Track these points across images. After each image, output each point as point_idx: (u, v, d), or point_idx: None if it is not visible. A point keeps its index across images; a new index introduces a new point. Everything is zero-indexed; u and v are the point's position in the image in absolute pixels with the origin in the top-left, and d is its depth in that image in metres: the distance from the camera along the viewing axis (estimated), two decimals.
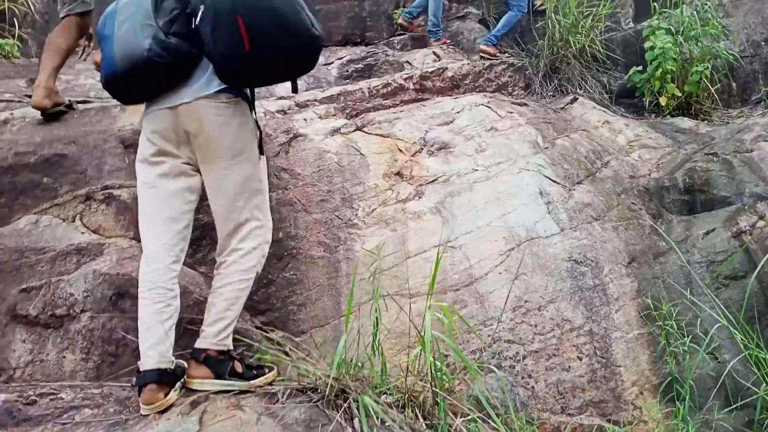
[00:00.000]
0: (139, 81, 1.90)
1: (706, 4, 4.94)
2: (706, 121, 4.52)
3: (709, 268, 2.98)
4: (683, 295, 2.81)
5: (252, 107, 2.11)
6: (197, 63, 1.95)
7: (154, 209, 2.03)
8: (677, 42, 4.60)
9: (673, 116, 4.65)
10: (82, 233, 2.58)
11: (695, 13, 4.80)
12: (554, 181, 3.23)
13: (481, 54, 5.07)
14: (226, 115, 1.96)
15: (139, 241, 2.60)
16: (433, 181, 3.18)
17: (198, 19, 1.83)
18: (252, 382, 1.94)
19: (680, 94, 4.56)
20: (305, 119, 3.39)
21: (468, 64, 4.75)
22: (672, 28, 4.73)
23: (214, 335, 1.93)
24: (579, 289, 2.81)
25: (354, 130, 3.43)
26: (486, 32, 5.65)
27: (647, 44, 4.64)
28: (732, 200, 3.27)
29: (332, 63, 4.76)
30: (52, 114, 2.88)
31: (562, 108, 4.39)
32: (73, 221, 2.62)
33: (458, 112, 3.81)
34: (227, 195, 2.02)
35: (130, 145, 2.79)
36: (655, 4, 5.10)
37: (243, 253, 2.01)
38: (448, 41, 5.44)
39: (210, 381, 1.89)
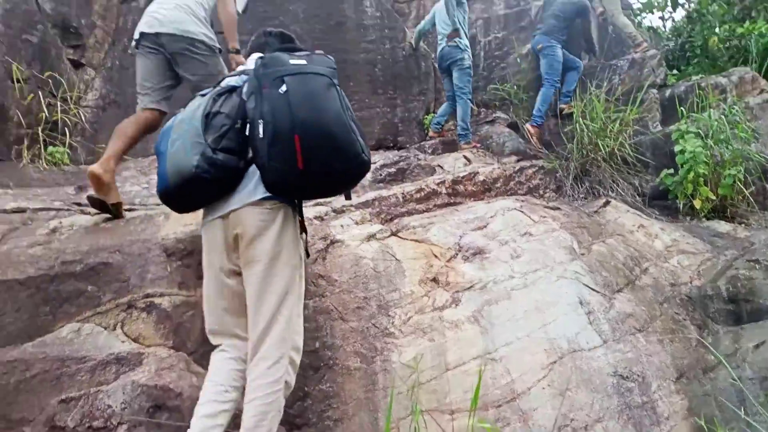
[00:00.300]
0: (190, 194, 2.07)
1: (733, 108, 5.03)
2: (743, 225, 4.47)
3: (762, 385, 2.83)
4: (737, 414, 2.65)
5: (298, 212, 2.21)
6: (244, 173, 2.09)
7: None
8: (707, 145, 4.64)
9: (708, 219, 4.62)
10: (123, 342, 2.58)
11: (723, 116, 4.89)
12: (593, 290, 3.17)
13: (529, 133, 5.66)
14: (268, 220, 2.05)
15: (177, 350, 2.61)
16: (469, 287, 3.15)
17: (258, 132, 1.93)
18: None
19: (714, 197, 4.55)
20: (342, 225, 3.44)
21: (498, 167, 4.84)
22: (701, 131, 4.80)
23: None
24: (627, 407, 2.67)
25: (389, 236, 3.46)
26: (515, 135, 5.80)
27: (677, 148, 4.70)
28: None
29: None
30: (102, 206, 2.99)
31: (596, 211, 4.39)
32: (114, 329, 2.62)
33: (491, 217, 3.84)
34: (261, 297, 2.06)
35: (172, 253, 2.85)
36: (682, 108, 5.22)
37: (270, 364, 2.00)
38: (478, 145, 5.58)
39: None
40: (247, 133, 2.04)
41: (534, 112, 5.84)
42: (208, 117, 2.06)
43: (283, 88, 1.92)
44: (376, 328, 2.88)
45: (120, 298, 2.71)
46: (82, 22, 4.53)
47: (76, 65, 4.58)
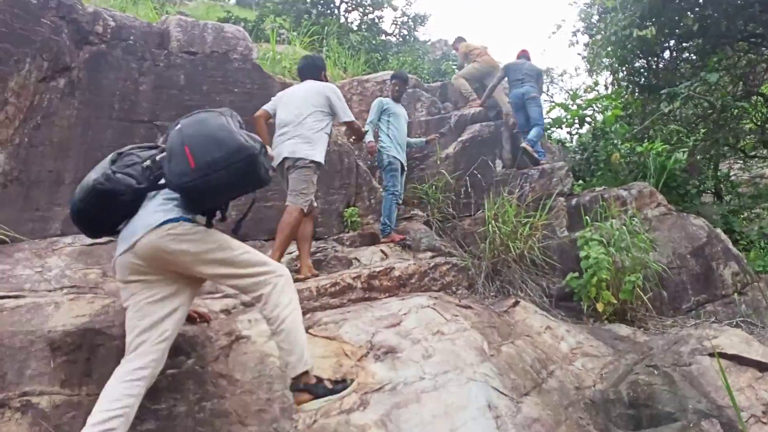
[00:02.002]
0: (90, 208, 2.38)
1: (633, 219, 5.42)
2: (642, 329, 4.70)
3: None
4: None
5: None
6: (143, 199, 2.45)
7: None
8: (609, 252, 4.94)
9: (610, 322, 4.82)
10: None
11: (624, 226, 5.24)
12: (502, 393, 3.16)
13: (525, 151, 6.73)
14: (176, 240, 2.35)
15: None
16: (379, 389, 3.07)
17: (163, 160, 2.40)
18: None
19: (616, 302, 4.79)
20: (249, 320, 3.31)
21: (414, 263, 4.89)
22: (603, 239, 5.11)
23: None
24: None
25: None
26: (431, 232, 5.96)
27: (582, 253, 4.96)
28: (677, 416, 3.25)
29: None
30: None
31: (506, 311, 4.48)
32: None
33: (405, 314, 3.83)
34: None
35: (58, 347, 2.62)
36: (587, 216, 5.57)
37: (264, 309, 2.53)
38: (398, 238, 5.61)
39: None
40: (154, 173, 2.48)
41: (530, 137, 6.96)
42: (121, 155, 2.50)
43: (178, 126, 2.42)
44: None
45: None
46: None
47: None
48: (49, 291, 3.36)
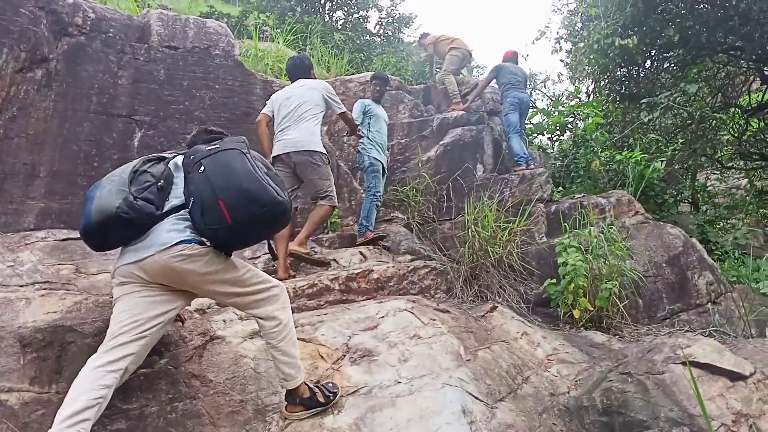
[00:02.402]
0: (107, 231, 2.39)
1: (611, 227, 5.47)
2: (617, 336, 4.73)
3: None
4: None
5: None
6: (159, 221, 2.47)
7: None
8: (587, 259, 4.97)
9: (586, 329, 4.85)
10: None
11: (602, 234, 5.29)
12: (477, 398, 3.16)
13: (515, 172, 6.83)
14: (187, 260, 2.42)
15: None
16: (354, 392, 3.05)
17: (193, 207, 2.43)
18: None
19: (592, 309, 4.82)
20: (224, 320, 3.27)
21: (393, 266, 4.89)
22: (582, 246, 5.15)
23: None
24: None
25: None
26: (411, 235, 5.96)
27: (560, 260, 4.99)
28: (649, 424, 3.28)
29: (259, 257, 4.77)
30: None
31: (483, 316, 4.50)
32: None
33: (382, 317, 3.82)
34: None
35: (28, 344, 2.57)
36: (566, 224, 5.61)
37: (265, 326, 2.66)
38: (374, 235, 5.58)
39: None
40: (167, 191, 2.56)
41: (523, 153, 7.09)
42: (136, 173, 2.50)
43: (201, 168, 2.42)
44: None
45: None
46: None
47: None
48: (21, 286, 3.28)
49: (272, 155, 4.61)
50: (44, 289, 3.30)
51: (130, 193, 2.40)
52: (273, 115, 4.73)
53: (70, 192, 4.43)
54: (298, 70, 4.94)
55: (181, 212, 2.51)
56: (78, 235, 3.97)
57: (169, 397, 2.71)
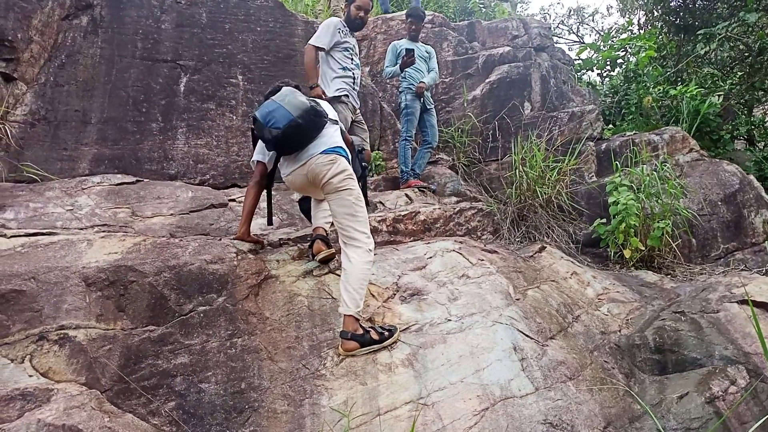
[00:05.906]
0: (304, 123, 2.96)
1: (664, 165, 5.28)
2: (669, 276, 4.64)
3: None
4: None
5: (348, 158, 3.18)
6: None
7: None
8: (639, 198, 4.84)
9: (637, 269, 4.77)
10: (30, 376, 2.37)
11: (654, 172, 5.11)
12: (528, 336, 3.18)
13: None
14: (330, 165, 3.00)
15: (90, 387, 2.42)
16: (405, 329, 3.10)
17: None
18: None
19: (643, 248, 4.72)
20: (277, 260, 3.34)
21: (439, 208, 4.86)
22: (633, 185, 5.00)
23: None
24: None
25: (326, 273, 3.38)
26: (456, 177, 5.87)
27: (611, 199, 4.87)
28: (703, 362, 3.25)
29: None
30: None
31: (531, 256, 4.46)
32: (22, 362, 2.41)
33: (430, 258, 3.83)
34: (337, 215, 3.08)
35: (92, 283, 2.68)
36: (617, 162, 5.44)
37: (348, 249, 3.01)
38: (416, 183, 5.52)
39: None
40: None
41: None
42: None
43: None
44: (306, 370, 2.77)
45: (31, 329, 2.52)
46: (18, 36, 4.31)
47: (7, 78, 4.35)
48: (81, 229, 3.41)
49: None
50: (103, 231, 3.42)
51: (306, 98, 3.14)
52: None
53: (122, 138, 4.51)
54: None
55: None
56: (132, 180, 4.08)
57: (229, 333, 2.80)
